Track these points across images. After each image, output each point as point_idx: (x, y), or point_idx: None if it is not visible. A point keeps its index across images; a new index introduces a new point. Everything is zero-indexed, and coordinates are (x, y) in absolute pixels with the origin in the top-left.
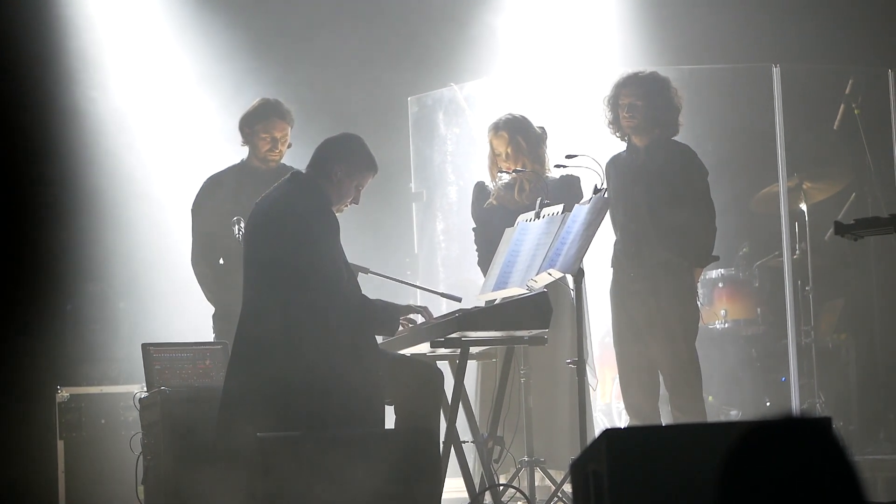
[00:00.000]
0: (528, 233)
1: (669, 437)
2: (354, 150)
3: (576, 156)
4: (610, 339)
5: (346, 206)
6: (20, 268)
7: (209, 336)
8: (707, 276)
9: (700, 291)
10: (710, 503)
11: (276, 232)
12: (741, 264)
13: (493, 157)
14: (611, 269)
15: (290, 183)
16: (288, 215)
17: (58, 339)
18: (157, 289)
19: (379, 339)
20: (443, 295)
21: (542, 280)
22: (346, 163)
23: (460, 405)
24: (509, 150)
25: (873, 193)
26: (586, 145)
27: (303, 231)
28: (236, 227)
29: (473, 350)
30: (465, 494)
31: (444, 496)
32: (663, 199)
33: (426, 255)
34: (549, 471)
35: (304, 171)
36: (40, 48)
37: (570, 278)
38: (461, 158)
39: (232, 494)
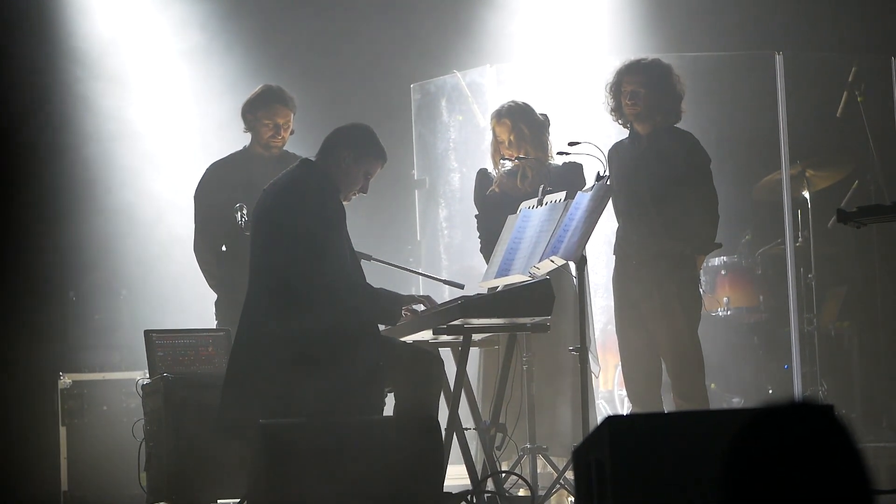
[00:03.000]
0: (531, 220)
1: (671, 424)
2: (364, 138)
3: (578, 143)
4: (612, 327)
5: (354, 194)
6: (24, 256)
7: (212, 323)
8: (710, 264)
9: (703, 279)
10: (713, 490)
11: (283, 218)
12: (744, 252)
13: (496, 144)
14: (613, 257)
15: (298, 169)
16: (295, 201)
17: (60, 326)
18: (160, 276)
19: (381, 326)
20: (445, 282)
21: (545, 267)
22: (354, 150)
23: (462, 392)
24: (512, 138)
25: (876, 181)
26: (589, 133)
27: (308, 217)
28: (239, 213)
29: (476, 337)
30: (468, 481)
31: (445, 483)
32: (666, 187)
33: (429, 242)
34: (552, 458)
35: (313, 159)
36: (39, 42)
37: (572, 265)
38: (464, 145)
39: (234, 481)
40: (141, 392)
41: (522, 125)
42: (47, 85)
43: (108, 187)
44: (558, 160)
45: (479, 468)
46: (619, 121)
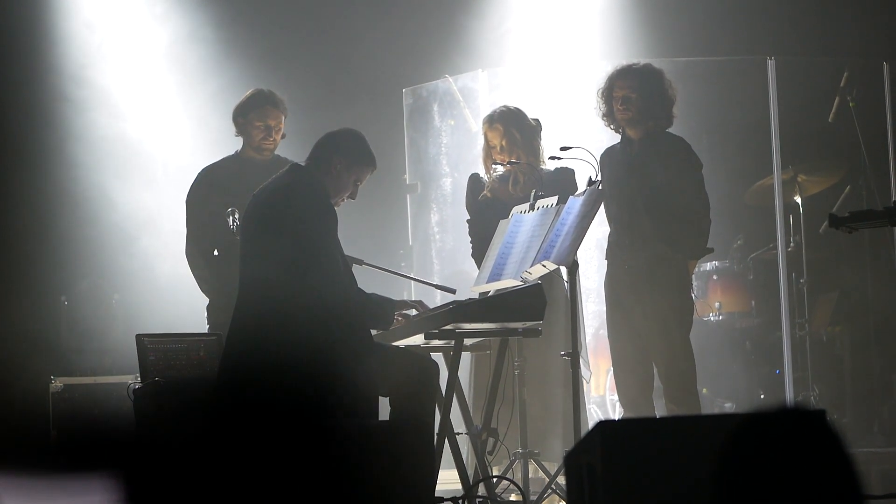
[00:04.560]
0: (523, 225)
1: (663, 429)
2: (355, 144)
3: (570, 148)
4: (604, 332)
5: (343, 200)
6: (16, 261)
7: (203, 327)
8: (701, 269)
9: (694, 284)
10: (705, 495)
11: (274, 222)
12: (736, 257)
13: (488, 149)
14: (605, 262)
15: (289, 174)
16: (286, 205)
17: (52, 330)
18: (152, 280)
19: (373, 331)
20: (437, 287)
21: (537, 272)
22: (345, 157)
23: (454, 397)
24: (504, 143)
25: (868, 186)
26: (581, 138)
27: (301, 221)
28: (231, 218)
29: (467, 342)
30: (459, 486)
31: (437, 488)
32: (658, 192)
33: (420, 246)
34: (543, 463)
35: (303, 164)
36: (30, 50)
37: (564, 270)
38: (456, 150)
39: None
40: (132, 396)
41: (514, 130)
42: (36, 91)
43: (99, 193)
44: (550, 165)
45: (470, 473)
46: (611, 126)
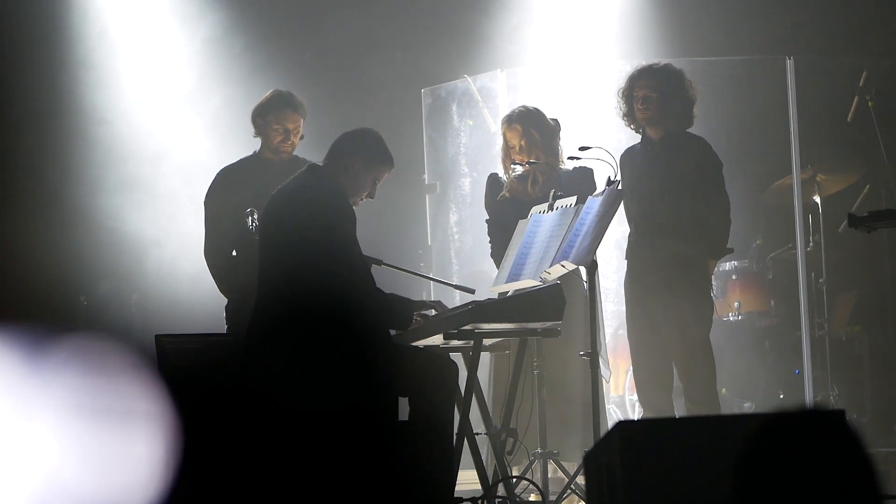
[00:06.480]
0: (542, 225)
1: (683, 429)
2: (372, 143)
3: (589, 148)
4: (624, 332)
5: (362, 199)
6: (35, 261)
7: (222, 328)
8: (721, 269)
9: (714, 283)
10: (725, 495)
11: (293, 223)
12: (755, 256)
13: (507, 149)
14: (624, 262)
15: (307, 175)
16: (305, 206)
17: (71, 330)
18: (171, 281)
19: (392, 331)
20: (456, 287)
21: (556, 272)
22: (363, 156)
23: (473, 397)
24: (523, 143)
25: (887, 186)
26: (600, 137)
27: (319, 222)
28: (249, 218)
29: (487, 342)
30: (479, 486)
31: (457, 488)
32: (678, 192)
33: (439, 246)
34: (563, 463)
35: (321, 164)
36: (50, 46)
37: (583, 270)
38: (474, 150)
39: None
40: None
41: (533, 130)
42: (56, 92)
43: (117, 194)
44: (569, 165)
45: (490, 473)
46: (632, 126)
